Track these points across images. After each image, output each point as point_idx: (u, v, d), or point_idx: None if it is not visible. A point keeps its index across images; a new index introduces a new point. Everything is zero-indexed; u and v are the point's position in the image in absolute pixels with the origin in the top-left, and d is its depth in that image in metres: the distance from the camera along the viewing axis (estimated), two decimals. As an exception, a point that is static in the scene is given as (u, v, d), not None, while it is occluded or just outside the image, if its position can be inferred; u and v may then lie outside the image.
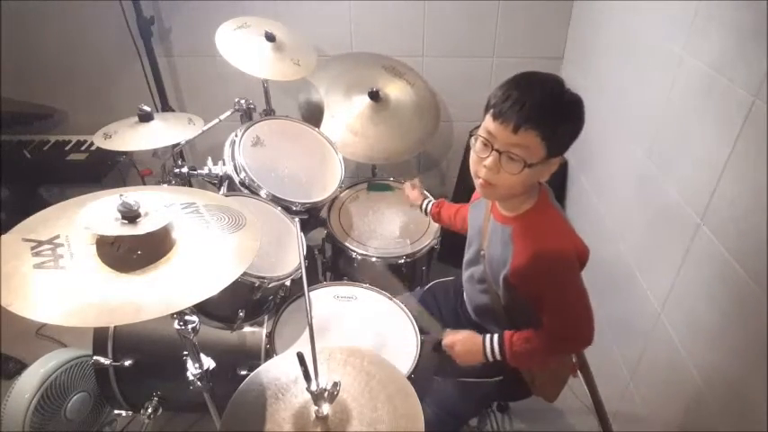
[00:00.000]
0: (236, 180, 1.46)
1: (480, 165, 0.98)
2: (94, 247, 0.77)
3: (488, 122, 0.95)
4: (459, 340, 1.17)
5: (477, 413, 1.46)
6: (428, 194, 1.65)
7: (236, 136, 1.52)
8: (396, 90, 1.94)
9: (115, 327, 1.38)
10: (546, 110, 0.89)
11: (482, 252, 1.15)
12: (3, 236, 0.77)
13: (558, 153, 0.96)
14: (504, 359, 1.12)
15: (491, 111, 0.94)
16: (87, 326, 0.69)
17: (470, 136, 1.01)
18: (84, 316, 0.69)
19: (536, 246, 1.00)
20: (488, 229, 1.13)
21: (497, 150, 0.94)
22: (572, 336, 1.08)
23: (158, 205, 0.82)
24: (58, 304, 0.69)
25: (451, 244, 1.56)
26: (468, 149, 1.94)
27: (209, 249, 0.84)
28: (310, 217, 1.63)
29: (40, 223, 0.81)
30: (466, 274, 1.26)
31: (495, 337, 1.14)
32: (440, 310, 1.45)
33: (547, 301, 1.03)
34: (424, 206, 1.59)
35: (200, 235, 0.85)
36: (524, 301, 1.07)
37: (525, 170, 0.93)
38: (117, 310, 0.71)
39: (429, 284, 1.54)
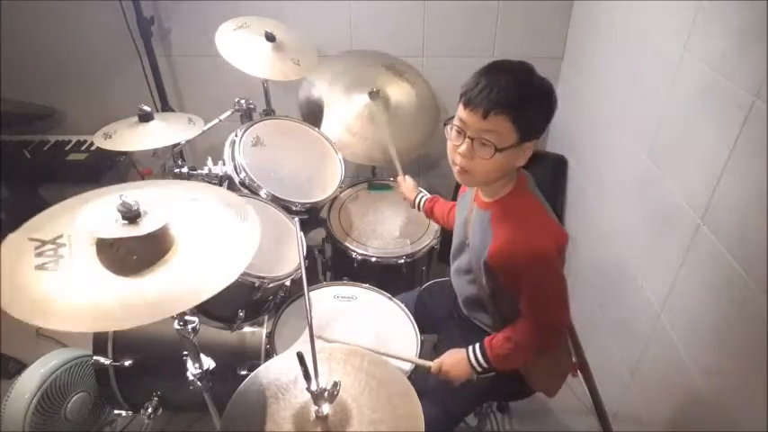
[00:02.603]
0: (236, 180, 1.46)
1: (455, 152, 1.00)
2: (95, 248, 0.77)
3: (460, 110, 0.98)
4: (447, 362, 1.18)
5: (472, 411, 1.46)
6: (422, 189, 1.62)
7: (236, 136, 1.52)
8: (396, 90, 1.94)
9: (115, 327, 1.38)
10: (513, 94, 0.91)
11: (467, 241, 1.17)
12: (11, 234, 0.77)
13: (530, 137, 0.97)
14: (489, 365, 1.13)
15: (462, 99, 0.97)
16: (87, 331, 0.69)
17: (444, 125, 1.04)
18: (82, 320, 0.68)
19: (513, 231, 1.02)
20: (472, 217, 1.15)
21: (470, 137, 0.96)
22: (550, 323, 1.09)
23: (158, 202, 0.81)
24: (57, 308, 0.69)
25: (451, 244, 1.55)
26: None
27: (210, 244, 0.83)
28: (310, 217, 1.63)
29: (46, 222, 0.81)
30: (453, 267, 1.27)
31: (477, 345, 1.15)
32: (435, 308, 1.45)
33: (525, 288, 1.04)
34: (417, 200, 1.56)
35: (200, 230, 0.85)
36: (506, 288, 1.09)
37: (497, 155, 0.95)
38: (116, 314, 0.70)
39: (426, 284, 1.54)
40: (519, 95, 0.92)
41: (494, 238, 1.04)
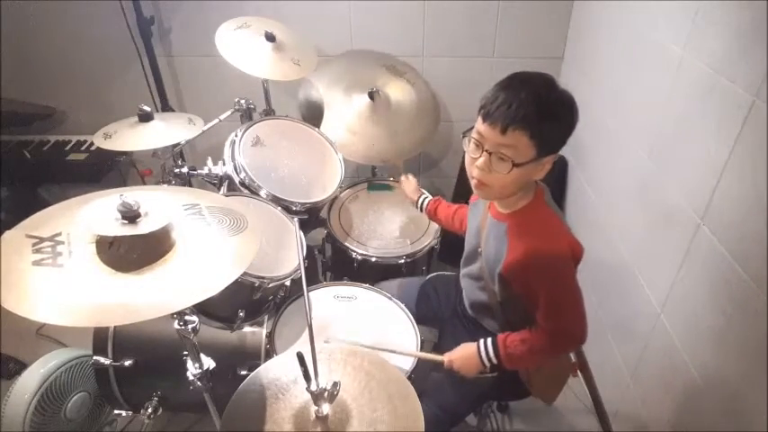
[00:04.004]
0: (236, 180, 1.46)
1: (473, 165, 1.00)
2: (94, 246, 0.77)
3: (479, 124, 0.97)
4: (457, 356, 1.18)
5: (473, 411, 1.46)
6: (424, 191, 1.62)
7: (236, 136, 1.52)
8: (396, 90, 1.94)
9: (115, 327, 1.38)
10: (533, 110, 0.90)
11: (479, 249, 1.16)
12: (8, 231, 0.77)
13: (549, 152, 0.97)
14: (499, 362, 1.13)
15: (481, 112, 0.96)
16: (84, 326, 0.68)
17: (463, 137, 1.03)
18: (81, 315, 0.68)
19: (530, 243, 1.01)
20: (486, 226, 1.14)
21: (488, 151, 0.95)
22: (566, 333, 1.09)
23: (158, 205, 0.81)
24: (53, 303, 0.69)
25: (451, 244, 1.55)
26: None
27: (209, 251, 0.84)
28: (310, 217, 1.63)
29: (45, 220, 0.81)
30: (463, 272, 1.27)
31: (489, 341, 1.15)
32: (439, 302, 1.45)
33: (542, 299, 1.04)
34: (419, 202, 1.55)
35: (199, 237, 0.85)
36: (519, 297, 1.08)
37: (515, 170, 0.94)
38: (114, 311, 0.70)
39: (430, 276, 1.54)
40: (538, 111, 0.90)
41: (509, 250, 1.03)
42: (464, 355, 1.18)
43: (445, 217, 1.48)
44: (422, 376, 1.24)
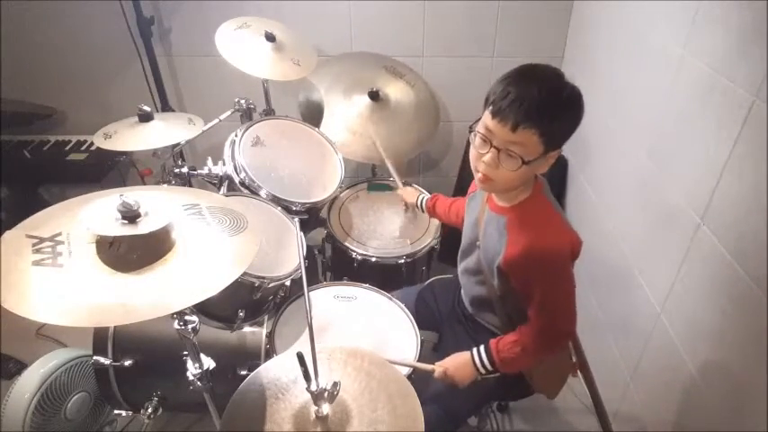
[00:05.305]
0: (236, 180, 1.46)
1: (479, 160, 0.99)
2: (94, 246, 0.77)
3: (487, 119, 0.95)
4: (450, 365, 1.17)
5: (475, 411, 1.46)
6: (422, 190, 1.64)
7: (236, 136, 1.52)
8: (396, 90, 1.94)
9: (115, 327, 1.38)
10: (544, 108, 0.89)
11: (477, 243, 1.16)
12: (8, 231, 0.77)
13: (555, 147, 0.97)
14: (494, 367, 1.13)
15: (490, 108, 0.94)
16: (83, 326, 0.68)
17: (470, 131, 1.02)
18: (81, 315, 0.69)
19: (530, 237, 1.01)
20: (484, 219, 1.14)
21: (496, 147, 0.95)
22: (556, 330, 1.09)
23: (158, 205, 0.81)
24: (53, 303, 0.69)
25: (451, 244, 1.55)
26: (467, 149, 1.95)
27: (209, 251, 0.84)
28: (310, 217, 1.63)
29: (45, 220, 0.81)
30: (461, 266, 1.27)
31: (482, 348, 1.15)
32: (437, 305, 1.45)
33: (536, 294, 1.04)
34: (419, 202, 1.59)
35: (199, 237, 0.85)
36: (517, 292, 1.08)
37: (523, 167, 0.94)
38: (114, 311, 0.70)
39: (429, 280, 1.55)
40: (549, 109, 0.89)
41: (509, 243, 1.03)
42: (458, 363, 1.17)
43: (443, 211, 1.49)
44: (423, 377, 1.24)
